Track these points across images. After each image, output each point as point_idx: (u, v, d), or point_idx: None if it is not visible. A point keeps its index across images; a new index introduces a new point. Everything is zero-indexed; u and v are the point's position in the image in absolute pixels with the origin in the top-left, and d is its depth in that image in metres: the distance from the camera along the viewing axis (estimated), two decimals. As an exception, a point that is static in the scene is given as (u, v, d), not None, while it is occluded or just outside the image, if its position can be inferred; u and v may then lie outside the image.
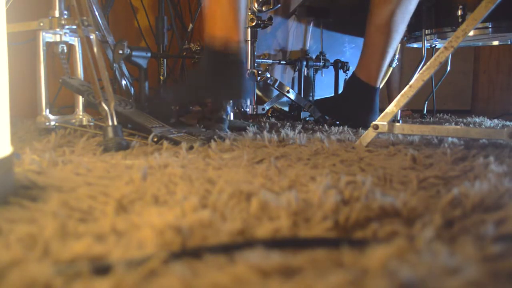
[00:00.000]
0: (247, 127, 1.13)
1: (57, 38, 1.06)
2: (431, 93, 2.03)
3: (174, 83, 1.18)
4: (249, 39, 1.39)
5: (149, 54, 1.27)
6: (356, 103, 1.35)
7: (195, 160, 0.73)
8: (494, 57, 2.52)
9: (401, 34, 1.31)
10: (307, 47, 1.71)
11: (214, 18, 1.06)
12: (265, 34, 1.56)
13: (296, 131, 1.14)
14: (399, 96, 0.91)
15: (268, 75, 1.41)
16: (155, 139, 0.89)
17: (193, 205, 0.43)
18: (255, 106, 1.49)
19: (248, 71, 1.37)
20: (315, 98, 1.65)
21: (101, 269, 0.29)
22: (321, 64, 1.65)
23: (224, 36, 1.04)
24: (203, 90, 1.07)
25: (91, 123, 1.10)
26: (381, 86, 1.41)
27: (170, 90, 1.15)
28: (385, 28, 1.28)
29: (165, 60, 1.67)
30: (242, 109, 1.43)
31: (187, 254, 0.32)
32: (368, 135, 0.93)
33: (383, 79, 1.47)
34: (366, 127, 1.37)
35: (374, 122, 0.92)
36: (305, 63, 1.60)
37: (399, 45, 1.85)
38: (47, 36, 1.04)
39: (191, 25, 1.80)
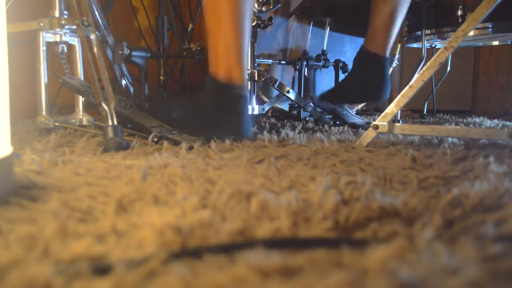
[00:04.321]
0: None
1: (57, 38, 1.06)
2: (431, 93, 2.03)
3: (174, 104, 1.09)
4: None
5: (149, 54, 1.27)
6: (366, 75, 1.34)
7: (195, 160, 0.73)
8: (494, 57, 2.52)
9: (408, 2, 1.30)
10: (307, 47, 1.71)
11: (218, 58, 1.00)
12: (265, 34, 1.56)
13: (296, 131, 1.14)
14: (399, 96, 0.91)
15: (268, 75, 1.41)
16: (155, 139, 0.89)
17: (193, 205, 0.43)
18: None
19: (248, 71, 1.37)
20: (316, 95, 1.65)
21: (101, 269, 0.29)
22: (321, 64, 1.65)
23: (227, 79, 0.99)
24: (200, 128, 1.01)
25: (91, 123, 1.10)
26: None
27: (166, 111, 1.08)
28: None
29: (165, 60, 1.67)
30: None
31: (187, 254, 0.32)
32: (368, 135, 0.93)
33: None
34: (380, 98, 1.37)
35: (374, 122, 0.92)
36: (305, 63, 1.60)
37: (399, 44, 1.86)
38: (47, 36, 1.04)
39: (191, 25, 1.80)
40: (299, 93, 1.59)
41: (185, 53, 1.68)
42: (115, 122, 0.84)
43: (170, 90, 1.75)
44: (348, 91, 1.43)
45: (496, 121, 1.75)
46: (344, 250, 0.33)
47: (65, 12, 1.04)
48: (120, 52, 1.16)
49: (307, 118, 1.58)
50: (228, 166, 0.68)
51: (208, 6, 0.99)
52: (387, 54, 1.35)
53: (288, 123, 1.41)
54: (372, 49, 1.34)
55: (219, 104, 1.00)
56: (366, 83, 1.36)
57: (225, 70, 0.99)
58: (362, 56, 1.38)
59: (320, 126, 1.35)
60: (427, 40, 1.65)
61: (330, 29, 1.73)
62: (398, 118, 1.40)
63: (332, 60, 1.68)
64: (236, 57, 1.00)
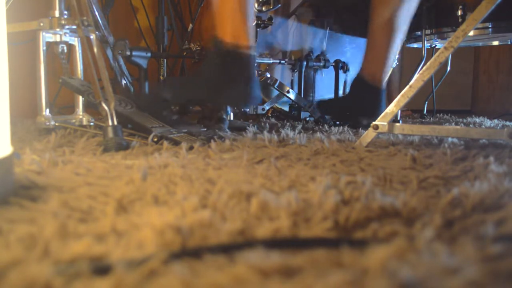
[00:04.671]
0: (247, 127, 1.13)
1: (57, 38, 1.06)
2: (431, 93, 2.04)
3: (175, 80, 1.12)
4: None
5: (149, 54, 1.27)
6: (362, 105, 1.34)
7: (195, 160, 0.73)
8: (494, 57, 2.52)
9: (404, 33, 1.30)
10: (307, 47, 1.71)
11: (223, 22, 1.01)
12: (265, 34, 1.56)
13: (296, 131, 1.14)
14: (399, 96, 0.91)
15: (268, 75, 1.40)
16: (155, 139, 0.89)
17: (193, 205, 0.43)
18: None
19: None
20: (316, 98, 1.65)
21: (101, 269, 0.29)
22: (321, 64, 1.65)
23: (234, 40, 1.00)
24: (208, 94, 1.02)
25: (91, 123, 1.10)
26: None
27: (171, 88, 1.09)
28: (387, 28, 1.27)
29: (165, 60, 1.67)
30: (242, 109, 1.43)
31: (187, 254, 0.32)
32: (368, 135, 0.93)
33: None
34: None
35: (374, 122, 0.92)
36: (305, 63, 1.60)
37: (399, 45, 1.85)
38: (47, 36, 1.04)
39: (191, 25, 1.80)
40: (299, 93, 1.59)
41: (185, 53, 1.68)
42: (115, 122, 0.84)
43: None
44: (343, 114, 1.43)
45: (496, 121, 1.75)
46: (344, 250, 0.33)
47: (65, 12, 1.04)
48: (120, 51, 1.16)
49: (307, 118, 1.58)
50: (228, 166, 0.68)
51: None
52: (383, 84, 1.34)
53: (288, 123, 1.41)
54: (369, 79, 1.34)
55: (226, 67, 1.00)
56: (361, 110, 1.35)
57: (231, 34, 1.01)
58: (359, 84, 1.37)
59: (320, 126, 1.35)
60: (427, 40, 1.66)
61: (330, 29, 1.73)
62: (398, 118, 1.40)
63: (332, 61, 1.68)
64: (242, 20, 1.01)
